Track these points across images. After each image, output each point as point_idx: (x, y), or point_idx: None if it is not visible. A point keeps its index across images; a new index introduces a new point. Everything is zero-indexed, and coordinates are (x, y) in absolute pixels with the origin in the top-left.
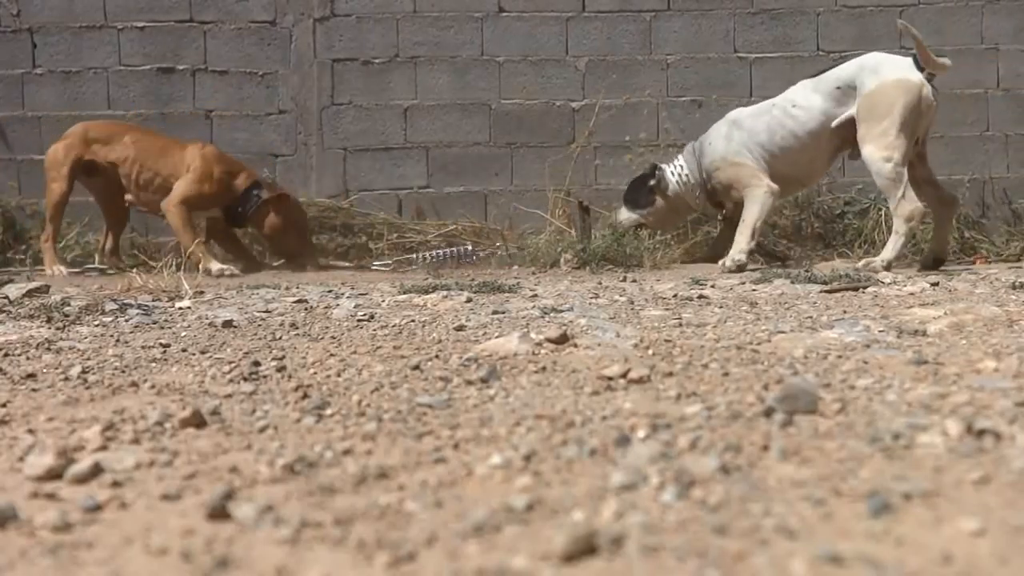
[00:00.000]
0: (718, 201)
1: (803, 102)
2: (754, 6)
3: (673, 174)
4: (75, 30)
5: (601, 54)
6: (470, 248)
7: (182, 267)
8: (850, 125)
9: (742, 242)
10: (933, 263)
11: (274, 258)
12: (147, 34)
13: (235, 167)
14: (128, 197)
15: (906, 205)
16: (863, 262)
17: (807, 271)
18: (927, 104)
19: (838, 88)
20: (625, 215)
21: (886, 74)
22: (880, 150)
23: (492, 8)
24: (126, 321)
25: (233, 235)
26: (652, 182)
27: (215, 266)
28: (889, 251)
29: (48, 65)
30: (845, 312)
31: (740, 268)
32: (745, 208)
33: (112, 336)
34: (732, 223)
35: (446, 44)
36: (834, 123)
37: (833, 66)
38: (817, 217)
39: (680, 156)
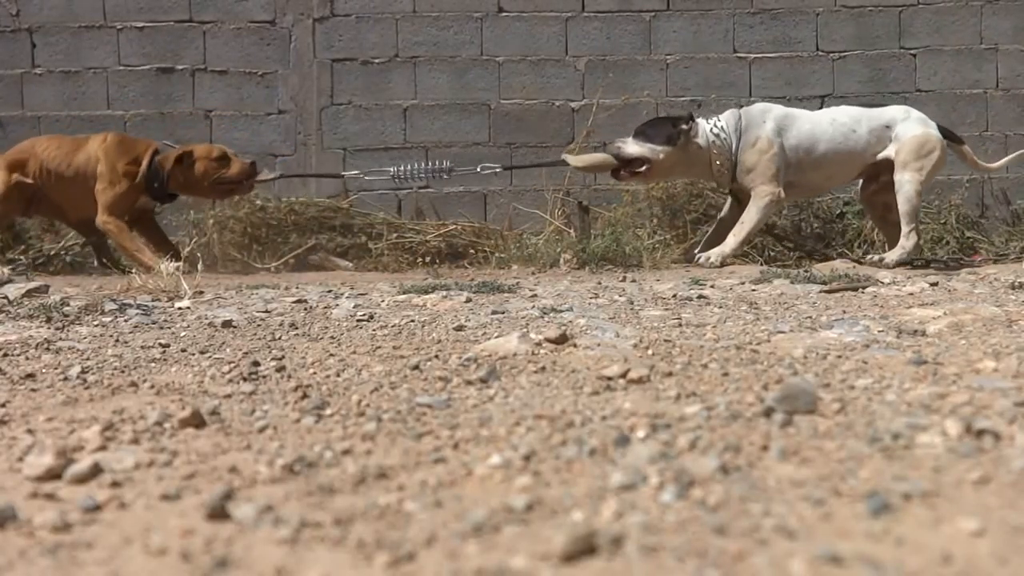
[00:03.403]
0: (733, 178)
1: (856, 126)
2: (754, 6)
3: (711, 127)
4: (74, 30)
5: (601, 54)
6: (447, 164)
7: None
8: (883, 163)
9: (733, 243)
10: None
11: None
12: (147, 34)
13: (137, 149)
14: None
15: (918, 235)
16: (877, 257)
17: (807, 271)
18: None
19: (886, 127)
20: (632, 147)
21: (931, 129)
22: (915, 184)
23: (492, 8)
24: (125, 321)
25: (154, 224)
26: (684, 126)
27: (170, 266)
28: (895, 256)
29: (47, 65)
30: (845, 312)
31: (718, 267)
32: (748, 209)
33: (111, 336)
34: (727, 223)
35: (446, 44)
36: (878, 156)
37: (872, 104)
38: (817, 217)
39: (722, 117)
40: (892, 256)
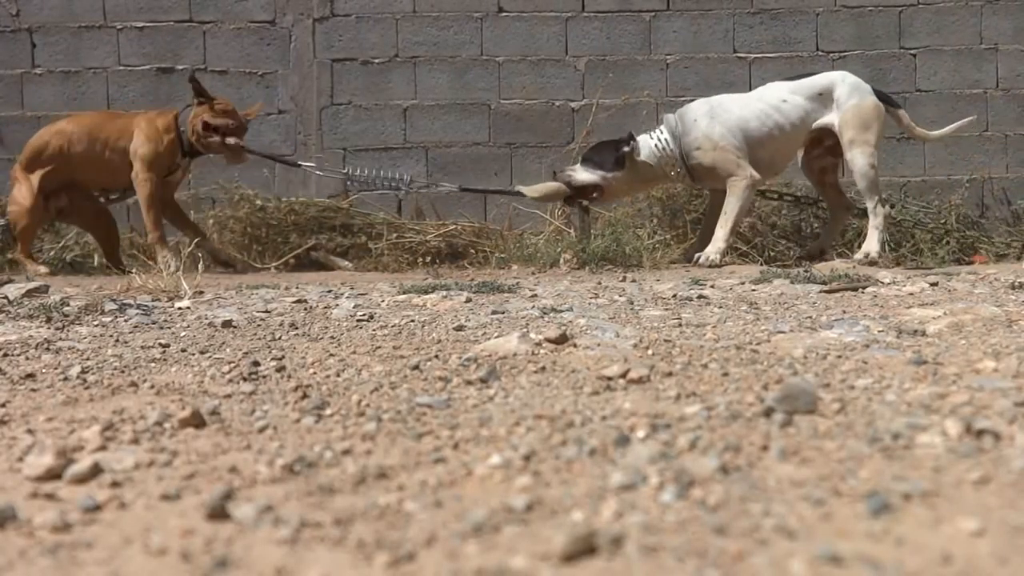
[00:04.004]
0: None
1: (790, 99)
2: (754, 6)
3: (653, 143)
4: (74, 30)
5: (600, 54)
6: (407, 179)
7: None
8: (823, 129)
9: (722, 235)
10: (820, 254)
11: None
12: (146, 34)
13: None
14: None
15: (883, 205)
16: (861, 255)
17: (807, 271)
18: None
19: (820, 94)
20: (582, 175)
21: (867, 95)
22: (867, 157)
23: (492, 8)
24: (125, 321)
25: (177, 207)
26: (626, 148)
27: (171, 263)
28: (875, 244)
29: (47, 65)
30: (844, 312)
31: (718, 265)
32: (728, 200)
33: (111, 336)
34: (712, 218)
35: (446, 44)
36: (815, 124)
37: (803, 74)
38: (816, 217)
39: (662, 127)
40: (869, 246)
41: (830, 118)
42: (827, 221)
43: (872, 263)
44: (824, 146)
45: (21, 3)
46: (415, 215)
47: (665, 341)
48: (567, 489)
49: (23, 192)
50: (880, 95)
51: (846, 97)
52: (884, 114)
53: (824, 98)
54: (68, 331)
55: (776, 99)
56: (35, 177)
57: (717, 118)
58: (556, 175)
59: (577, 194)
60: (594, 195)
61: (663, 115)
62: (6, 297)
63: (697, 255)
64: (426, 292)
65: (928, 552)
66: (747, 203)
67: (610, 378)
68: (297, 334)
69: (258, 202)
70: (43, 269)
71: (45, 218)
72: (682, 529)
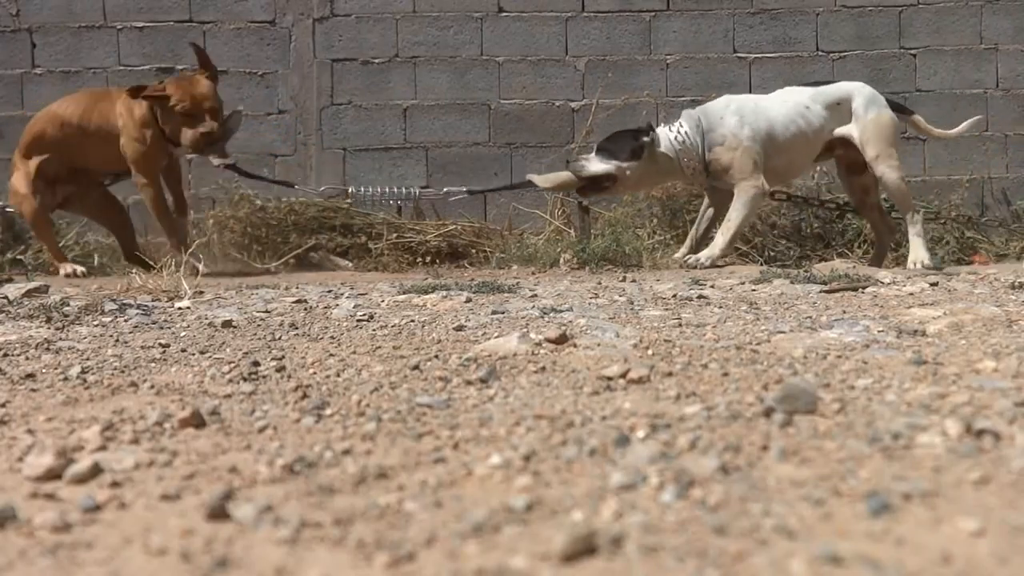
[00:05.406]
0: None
1: (812, 105)
2: (754, 6)
3: (673, 135)
4: (74, 30)
5: (600, 54)
6: (415, 192)
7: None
8: (839, 139)
9: (722, 242)
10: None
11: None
12: (146, 34)
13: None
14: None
15: (918, 212)
16: (911, 264)
17: (807, 271)
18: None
19: (838, 104)
20: (596, 165)
21: (884, 108)
22: (895, 171)
23: (492, 8)
24: (125, 321)
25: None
26: (645, 139)
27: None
28: (922, 251)
29: (47, 65)
30: (844, 312)
31: (710, 266)
32: (734, 206)
33: (111, 336)
34: (711, 221)
35: (445, 44)
36: (835, 132)
37: (820, 82)
38: (816, 217)
39: (681, 120)
40: (917, 255)
41: (847, 129)
42: (873, 244)
43: (935, 268)
44: (845, 157)
45: (21, 3)
46: (415, 215)
47: (665, 341)
48: (567, 489)
49: (19, 179)
50: (893, 105)
51: (864, 110)
52: (898, 124)
53: (841, 108)
54: (68, 331)
55: (799, 104)
56: (32, 163)
57: (746, 118)
58: (568, 164)
59: (589, 184)
60: (606, 186)
61: (683, 111)
62: (6, 297)
63: (687, 256)
64: (426, 292)
65: (928, 552)
66: (753, 213)
67: (610, 378)
68: (297, 334)
69: (258, 202)
70: (80, 268)
71: (51, 204)
72: (682, 529)
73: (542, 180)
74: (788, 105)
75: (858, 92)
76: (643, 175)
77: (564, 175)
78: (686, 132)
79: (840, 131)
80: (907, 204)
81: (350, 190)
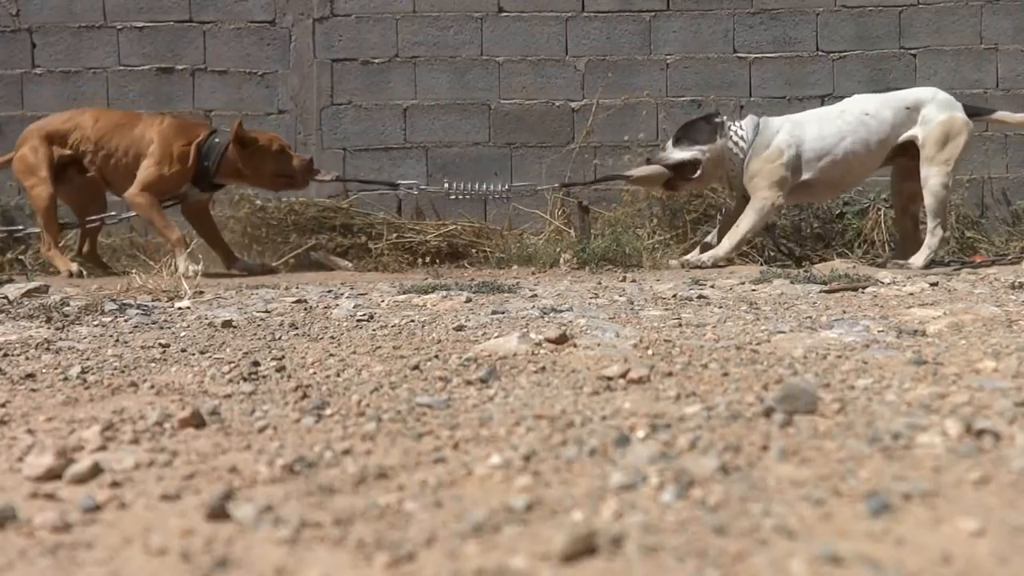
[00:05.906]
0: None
1: (875, 113)
2: (754, 6)
3: (734, 128)
4: (74, 30)
5: (600, 54)
6: (505, 186)
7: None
8: (907, 144)
9: (727, 246)
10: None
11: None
12: (146, 34)
13: (195, 133)
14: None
15: (943, 230)
16: (901, 261)
17: (806, 271)
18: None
19: (907, 108)
20: (678, 153)
21: (957, 112)
22: (942, 176)
23: (492, 8)
24: (125, 321)
25: (209, 218)
26: (718, 120)
27: (190, 267)
28: (922, 260)
29: (47, 65)
30: (844, 312)
31: (711, 266)
32: (745, 213)
33: (111, 336)
34: (728, 224)
35: (445, 44)
36: (900, 139)
37: (890, 88)
38: (816, 217)
39: (741, 123)
40: (918, 259)
41: (914, 132)
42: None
43: (913, 269)
44: (908, 165)
45: (21, 3)
46: (415, 215)
47: (665, 341)
48: (567, 489)
49: (38, 161)
50: (972, 109)
51: (935, 114)
52: (971, 132)
53: (911, 112)
54: (68, 331)
55: (860, 112)
56: (49, 151)
57: (795, 136)
58: (649, 160)
59: (676, 174)
60: (690, 177)
61: (746, 114)
62: (6, 297)
63: (688, 256)
64: (426, 292)
65: (928, 552)
66: (763, 223)
67: (610, 378)
68: (297, 334)
69: (258, 202)
70: (74, 267)
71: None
72: (682, 529)
73: (634, 173)
74: (845, 117)
75: (930, 99)
76: (716, 161)
77: (653, 167)
78: (742, 135)
79: (907, 134)
80: (939, 213)
81: (447, 184)
